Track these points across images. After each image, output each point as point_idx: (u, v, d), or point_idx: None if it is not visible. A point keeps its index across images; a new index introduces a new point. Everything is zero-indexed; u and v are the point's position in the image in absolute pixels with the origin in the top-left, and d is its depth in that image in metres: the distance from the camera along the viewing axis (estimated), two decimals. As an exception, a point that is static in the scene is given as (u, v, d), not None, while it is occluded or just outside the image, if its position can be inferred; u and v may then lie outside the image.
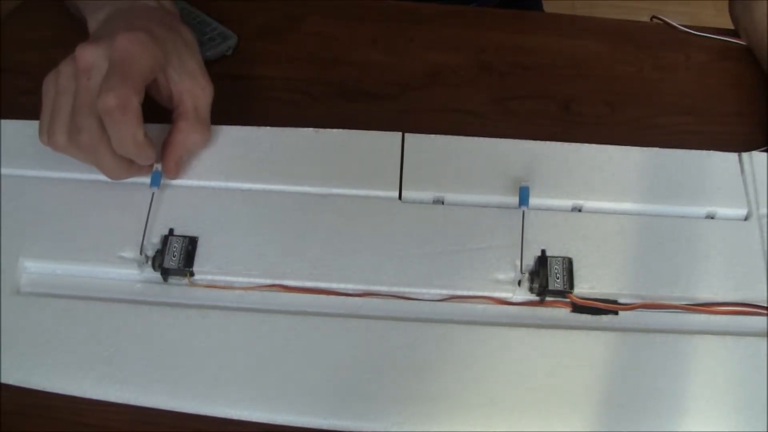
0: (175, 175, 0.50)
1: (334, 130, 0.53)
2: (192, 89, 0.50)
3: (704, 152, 0.53)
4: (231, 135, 0.53)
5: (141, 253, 0.47)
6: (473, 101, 0.61)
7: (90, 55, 0.46)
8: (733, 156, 0.53)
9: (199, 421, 0.43)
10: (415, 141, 0.53)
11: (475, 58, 0.65)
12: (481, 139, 0.53)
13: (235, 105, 0.60)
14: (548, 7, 0.89)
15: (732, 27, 0.68)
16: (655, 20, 0.69)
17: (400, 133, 0.53)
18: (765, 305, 0.47)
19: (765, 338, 0.45)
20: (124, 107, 0.44)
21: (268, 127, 0.53)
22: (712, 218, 0.50)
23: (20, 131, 0.53)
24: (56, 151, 0.47)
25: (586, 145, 0.53)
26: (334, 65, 0.64)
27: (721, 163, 0.52)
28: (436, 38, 0.66)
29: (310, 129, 0.53)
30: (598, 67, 0.65)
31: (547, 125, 0.60)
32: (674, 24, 0.68)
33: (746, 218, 0.50)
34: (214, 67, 0.63)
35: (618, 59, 0.65)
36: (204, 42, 0.63)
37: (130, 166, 0.48)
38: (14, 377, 0.44)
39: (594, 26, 0.69)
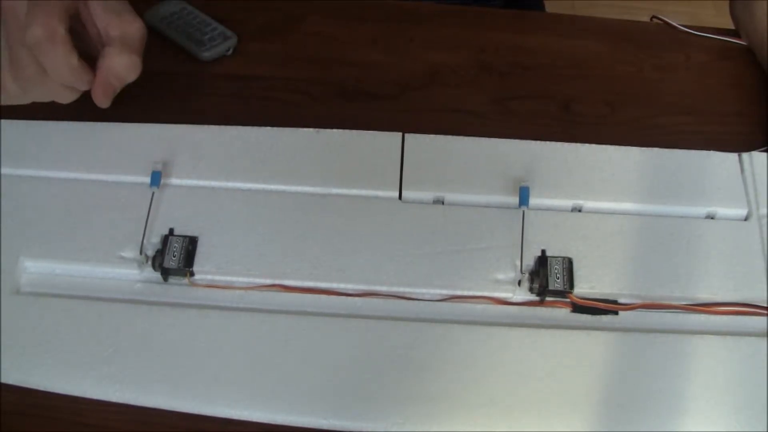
0: (104, 102, 0.49)
1: (334, 130, 0.53)
2: (118, 23, 0.49)
3: (704, 152, 0.53)
4: (231, 135, 0.53)
5: (141, 253, 0.47)
6: (473, 101, 0.61)
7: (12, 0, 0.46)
8: (733, 156, 0.53)
9: (200, 422, 0.43)
10: (415, 141, 0.53)
11: (475, 58, 0.65)
12: (481, 139, 0.53)
13: (235, 105, 0.60)
14: (548, 7, 0.89)
15: (732, 27, 0.68)
16: (655, 20, 0.69)
17: (400, 133, 0.53)
18: (765, 305, 0.47)
19: (765, 338, 0.45)
20: (51, 36, 0.45)
21: (268, 127, 0.53)
22: (712, 218, 0.50)
23: (20, 131, 0.53)
24: (13, 101, 0.48)
25: (586, 145, 0.53)
26: (334, 65, 0.64)
27: (720, 163, 0.52)
28: (436, 38, 0.66)
29: (311, 129, 0.53)
30: (598, 67, 0.64)
31: (547, 125, 0.60)
32: (674, 24, 0.68)
33: (746, 218, 0.50)
34: (214, 67, 0.63)
35: (618, 59, 0.65)
36: (204, 42, 0.63)
37: (75, 89, 0.48)
38: (14, 377, 0.44)
39: (594, 26, 0.69)
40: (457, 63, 0.64)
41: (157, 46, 0.64)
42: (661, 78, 0.64)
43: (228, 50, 0.63)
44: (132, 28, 0.49)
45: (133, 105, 0.59)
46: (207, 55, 0.62)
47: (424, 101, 0.61)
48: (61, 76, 0.47)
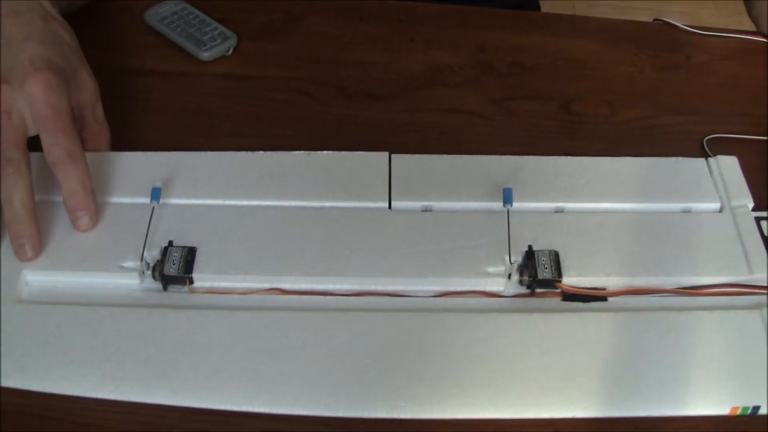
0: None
1: (324, 152, 0.54)
2: (90, 101, 0.53)
3: (673, 159, 0.55)
4: (226, 160, 0.53)
5: (141, 260, 0.47)
6: (473, 101, 0.61)
7: (8, 98, 0.49)
8: (700, 161, 0.54)
9: (200, 422, 0.43)
10: (401, 160, 0.53)
11: (475, 58, 0.65)
12: (464, 156, 0.54)
13: (235, 105, 0.60)
14: (548, 7, 0.89)
15: (732, 26, 0.68)
16: (656, 22, 0.69)
17: (387, 153, 0.53)
18: (754, 285, 0.48)
19: (757, 311, 0.46)
20: (73, 157, 0.48)
21: (260, 152, 0.54)
22: (688, 212, 0.52)
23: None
24: None
25: (563, 158, 0.54)
26: (334, 65, 0.64)
27: (689, 167, 0.54)
28: (436, 38, 0.66)
29: (301, 152, 0.54)
30: (598, 67, 0.65)
31: (547, 125, 0.60)
32: (678, 24, 0.68)
33: (720, 210, 0.52)
34: (214, 67, 0.63)
35: (618, 59, 0.65)
36: (204, 42, 0.63)
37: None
38: (14, 380, 0.44)
39: (594, 26, 0.69)
40: (457, 63, 0.64)
41: (157, 46, 0.64)
42: (662, 78, 0.64)
43: (228, 50, 0.64)
44: (96, 94, 0.54)
45: (133, 105, 0.59)
46: (207, 55, 0.62)
47: (424, 101, 0.61)
48: (75, 195, 0.48)
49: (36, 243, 0.48)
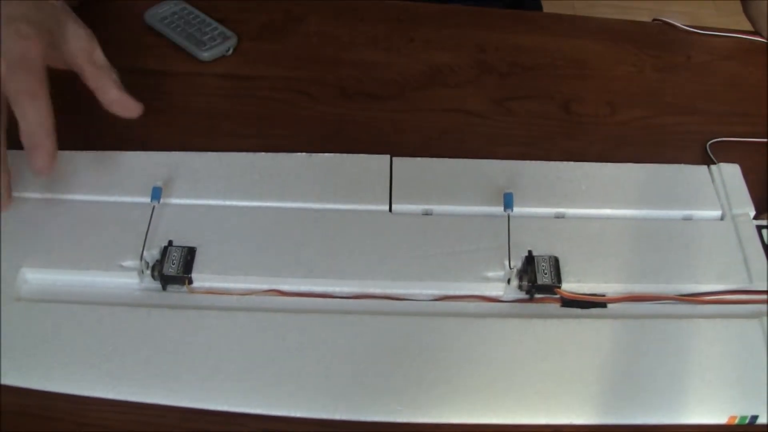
0: (136, 110, 0.50)
1: (325, 155, 0.54)
2: (82, 48, 0.51)
3: (675, 165, 0.55)
4: (227, 160, 0.54)
5: (141, 260, 0.47)
6: (473, 101, 0.61)
7: None
8: (702, 168, 0.54)
9: (200, 422, 0.43)
10: (402, 163, 0.54)
11: (475, 58, 0.65)
12: (464, 160, 0.54)
13: (235, 105, 0.60)
14: (548, 7, 0.89)
15: (732, 26, 0.68)
16: (656, 22, 0.69)
17: (388, 156, 0.54)
18: (754, 293, 0.47)
19: (756, 320, 0.46)
20: (33, 94, 0.46)
21: (262, 153, 0.54)
22: (689, 220, 0.52)
23: (23, 159, 0.53)
24: None
25: (564, 163, 0.54)
26: (334, 65, 0.64)
27: (691, 174, 0.54)
28: (436, 38, 0.66)
29: (302, 153, 0.54)
30: (598, 67, 0.65)
31: (547, 125, 0.60)
32: (678, 24, 0.68)
33: (722, 218, 0.52)
34: (214, 67, 0.63)
35: (618, 59, 0.65)
36: (204, 42, 0.63)
37: (50, 129, 0.47)
38: (13, 378, 0.44)
39: (594, 26, 0.69)
40: (457, 63, 0.64)
41: (157, 46, 0.64)
42: (662, 78, 0.64)
43: (228, 50, 0.64)
44: (92, 45, 0.51)
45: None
46: (207, 55, 0.62)
47: (424, 101, 0.61)
48: (30, 131, 0.47)
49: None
